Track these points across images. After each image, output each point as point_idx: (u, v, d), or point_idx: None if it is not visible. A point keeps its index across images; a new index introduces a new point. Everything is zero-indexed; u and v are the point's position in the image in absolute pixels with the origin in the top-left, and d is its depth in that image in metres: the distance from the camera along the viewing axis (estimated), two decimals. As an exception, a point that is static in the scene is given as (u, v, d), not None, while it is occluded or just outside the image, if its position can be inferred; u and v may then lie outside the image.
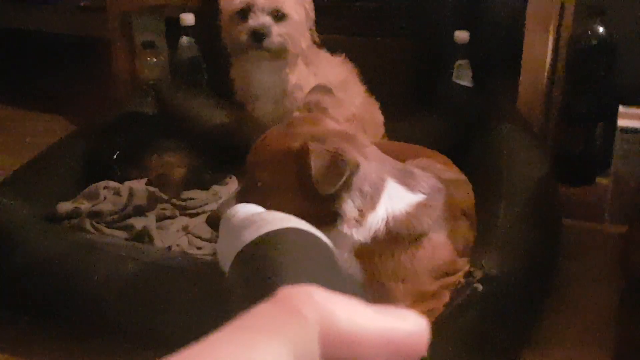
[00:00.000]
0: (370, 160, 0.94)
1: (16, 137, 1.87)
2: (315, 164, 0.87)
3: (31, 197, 1.27)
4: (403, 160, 1.08)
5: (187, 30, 1.66)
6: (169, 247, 1.23)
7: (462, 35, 1.50)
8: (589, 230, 1.37)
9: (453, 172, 1.17)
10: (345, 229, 0.93)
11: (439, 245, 1.00)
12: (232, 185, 1.42)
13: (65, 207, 1.28)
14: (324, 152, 0.87)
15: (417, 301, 0.98)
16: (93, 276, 1.09)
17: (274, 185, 0.93)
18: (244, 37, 1.26)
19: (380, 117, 1.47)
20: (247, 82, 1.37)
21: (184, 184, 1.40)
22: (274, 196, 0.93)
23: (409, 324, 0.24)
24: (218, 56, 1.41)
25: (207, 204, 1.36)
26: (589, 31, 1.39)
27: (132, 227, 1.25)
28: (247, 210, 0.81)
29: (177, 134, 1.49)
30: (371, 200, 0.93)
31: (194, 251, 1.23)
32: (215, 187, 1.41)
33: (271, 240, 0.67)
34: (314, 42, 1.35)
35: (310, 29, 1.33)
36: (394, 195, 0.96)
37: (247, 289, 0.66)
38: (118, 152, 1.41)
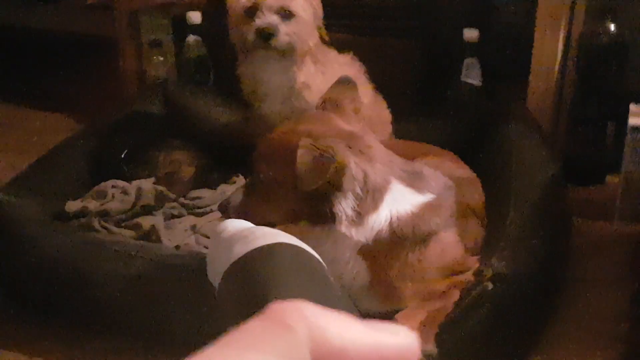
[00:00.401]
0: (374, 161, 0.94)
1: (23, 135, 1.87)
2: (301, 159, 0.87)
3: (40, 196, 1.27)
4: (412, 159, 1.07)
5: (194, 29, 1.66)
6: (177, 246, 1.23)
7: (471, 34, 1.49)
8: (599, 229, 1.36)
9: (463, 170, 1.17)
10: (344, 229, 0.93)
11: (448, 244, 0.99)
12: (239, 184, 1.42)
13: (73, 205, 1.28)
14: (311, 149, 0.87)
15: (426, 300, 0.97)
16: (101, 274, 1.09)
17: (274, 179, 0.94)
18: (251, 36, 1.25)
19: (388, 116, 1.46)
20: (255, 81, 1.36)
21: (192, 182, 1.39)
22: (274, 191, 0.94)
23: (399, 339, 0.24)
24: (225, 55, 1.41)
25: (214, 203, 1.35)
26: (600, 30, 1.38)
27: (140, 226, 1.25)
28: (237, 225, 0.81)
29: (184, 132, 1.49)
30: (373, 201, 0.93)
31: (201, 250, 1.23)
32: (223, 186, 1.41)
33: (261, 255, 0.67)
34: (323, 41, 1.34)
35: (319, 27, 1.32)
36: (399, 197, 0.95)
37: (237, 304, 0.66)
38: (126, 151, 1.41)
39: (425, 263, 0.96)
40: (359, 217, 0.93)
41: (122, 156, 1.40)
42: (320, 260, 0.70)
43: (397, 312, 0.96)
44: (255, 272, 0.66)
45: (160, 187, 1.33)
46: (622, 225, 1.35)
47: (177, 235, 1.26)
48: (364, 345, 0.23)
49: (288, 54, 1.28)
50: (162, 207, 1.31)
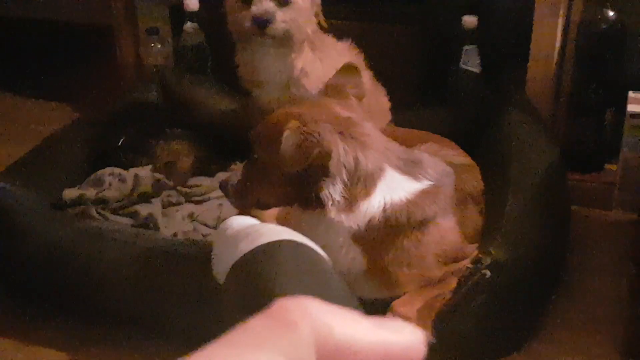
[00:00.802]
0: (367, 148, 0.94)
1: (21, 125, 1.86)
2: (285, 142, 0.88)
3: (37, 184, 1.26)
4: (411, 146, 1.07)
5: (191, 16, 1.65)
6: (175, 234, 1.22)
7: (470, 20, 1.48)
8: (598, 217, 1.36)
9: (462, 158, 1.16)
10: (334, 214, 0.93)
11: (446, 231, 0.99)
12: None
13: (70, 193, 1.28)
14: (297, 131, 0.88)
15: (423, 287, 0.97)
16: (98, 262, 1.09)
17: (267, 160, 0.95)
18: (247, 24, 1.24)
19: (386, 103, 1.46)
20: (252, 69, 1.36)
21: (190, 173, 1.39)
22: (268, 172, 0.95)
23: (405, 337, 0.24)
24: (223, 42, 1.40)
25: (212, 191, 1.35)
26: (599, 16, 1.38)
27: (137, 213, 1.25)
28: (242, 222, 0.81)
29: (181, 120, 1.49)
30: (365, 187, 0.93)
31: (199, 238, 1.23)
32: (221, 174, 1.41)
33: (266, 252, 0.67)
34: (321, 28, 1.34)
35: (317, 14, 1.31)
36: (393, 184, 0.95)
37: (242, 300, 0.66)
38: (123, 139, 1.40)
39: (422, 249, 0.96)
40: (349, 203, 0.93)
41: (120, 144, 1.40)
42: (325, 256, 0.70)
43: (394, 299, 0.96)
44: (259, 269, 0.66)
45: (158, 175, 1.33)
46: (620, 213, 1.35)
47: (174, 223, 1.26)
48: (369, 342, 0.23)
49: (285, 41, 1.27)
50: (159, 194, 1.30)
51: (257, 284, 0.65)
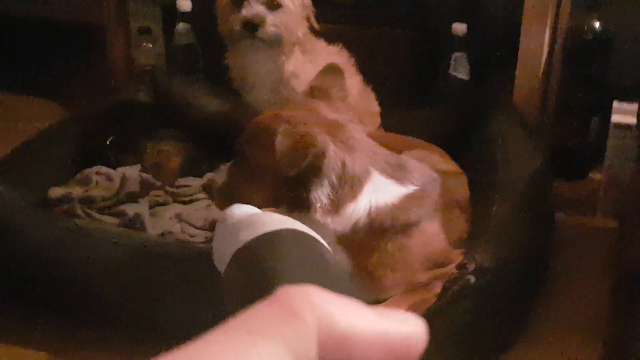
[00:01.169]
0: (354, 151, 0.94)
1: (8, 122, 1.85)
2: (280, 145, 0.87)
3: (22, 182, 1.26)
4: (399, 151, 1.08)
5: (183, 17, 1.65)
6: (162, 234, 1.22)
7: (459, 28, 1.49)
8: (581, 224, 1.38)
9: (448, 164, 1.17)
10: (319, 216, 0.93)
11: (431, 236, 1.00)
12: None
13: (56, 192, 1.27)
14: (290, 134, 0.88)
15: (408, 291, 0.98)
16: (83, 262, 1.08)
17: (256, 162, 0.96)
18: (237, 26, 1.25)
19: (376, 108, 1.47)
20: (243, 70, 1.36)
21: (179, 173, 1.39)
22: (256, 173, 0.96)
23: (407, 327, 0.24)
24: (215, 43, 1.40)
25: (200, 191, 1.35)
26: (586, 25, 1.39)
27: (124, 213, 1.24)
28: (244, 211, 0.81)
29: (172, 120, 1.49)
30: (351, 190, 0.93)
31: (186, 238, 1.23)
32: (209, 175, 1.41)
33: (268, 241, 0.66)
34: (312, 31, 1.34)
35: (309, 17, 1.32)
36: (379, 187, 0.96)
37: (244, 289, 0.66)
38: (112, 138, 1.40)
39: (407, 253, 0.97)
40: (335, 205, 0.93)
41: (108, 143, 1.40)
42: (327, 245, 0.70)
43: (378, 303, 0.97)
44: (261, 258, 0.66)
45: (145, 175, 1.33)
46: (603, 219, 1.37)
47: (162, 223, 1.26)
48: (372, 332, 0.23)
49: (275, 44, 1.28)
50: (147, 194, 1.30)
51: (259, 273, 0.65)
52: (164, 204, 1.31)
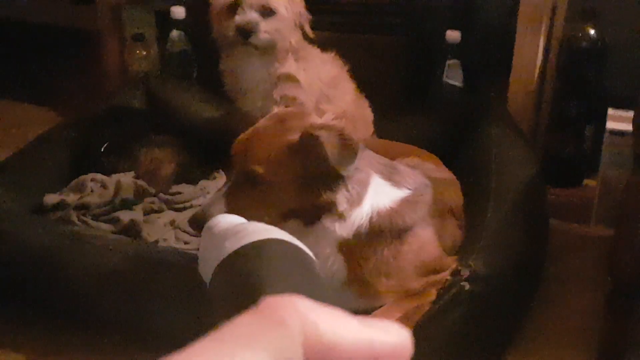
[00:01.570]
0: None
1: (3, 128, 1.85)
2: (329, 148, 0.86)
3: (18, 189, 1.25)
4: (392, 159, 1.08)
5: (177, 24, 1.65)
6: (156, 241, 1.22)
7: (453, 35, 1.50)
8: (576, 231, 1.38)
9: (442, 172, 1.17)
10: (329, 223, 0.93)
11: (424, 242, 1.00)
12: (220, 180, 1.41)
13: (51, 199, 1.27)
14: (331, 136, 0.87)
15: (402, 298, 0.97)
16: (78, 269, 1.08)
17: (274, 180, 0.91)
18: (231, 33, 1.25)
19: (370, 115, 1.47)
20: (236, 77, 1.36)
21: (173, 180, 1.39)
22: (272, 192, 0.92)
23: (392, 337, 0.24)
24: (208, 50, 1.41)
25: (194, 198, 1.35)
26: (580, 33, 1.40)
27: (118, 220, 1.24)
28: (229, 220, 0.81)
29: (166, 127, 1.48)
30: (357, 195, 0.93)
31: (180, 245, 1.23)
32: (203, 182, 1.41)
33: (253, 250, 0.66)
34: (307, 38, 1.35)
35: (303, 25, 1.32)
36: (379, 191, 0.96)
37: (229, 299, 0.66)
38: (106, 144, 1.40)
39: (401, 260, 0.97)
40: (347, 210, 0.93)
41: (103, 149, 1.39)
42: (312, 256, 0.70)
43: (373, 310, 0.97)
44: (247, 268, 0.65)
45: (140, 182, 1.32)
46: (598, 227, 1.37)
47: (156, 230, 1.25)
48: (357, 341, 0.23)
49: (269, 50, 1.28)
50: (141, 201, 1.30)
51: (244, 283, 0.64)
52: (158, 211, 1.31)
